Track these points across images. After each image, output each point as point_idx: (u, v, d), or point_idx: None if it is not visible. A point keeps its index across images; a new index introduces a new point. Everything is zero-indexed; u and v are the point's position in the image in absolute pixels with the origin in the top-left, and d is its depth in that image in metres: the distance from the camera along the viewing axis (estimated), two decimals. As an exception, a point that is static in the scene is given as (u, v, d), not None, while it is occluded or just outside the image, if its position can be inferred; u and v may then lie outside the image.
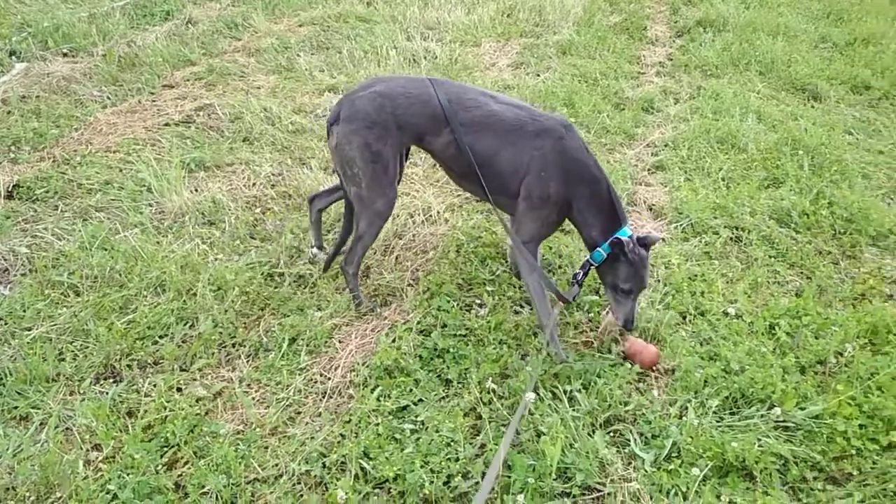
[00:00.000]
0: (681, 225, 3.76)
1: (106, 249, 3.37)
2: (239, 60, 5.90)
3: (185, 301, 3.07)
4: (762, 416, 2.53)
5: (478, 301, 3.15)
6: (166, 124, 4.71)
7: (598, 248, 2.76)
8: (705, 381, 2.66)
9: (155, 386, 2.67)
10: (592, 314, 3.10)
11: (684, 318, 3.07)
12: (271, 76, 5.61)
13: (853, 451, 2.42)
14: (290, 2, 7.55)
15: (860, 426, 2.49)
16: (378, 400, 2.59)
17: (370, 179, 2.82)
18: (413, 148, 3.04)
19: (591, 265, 2.84)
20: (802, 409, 2.54)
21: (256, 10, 7.12)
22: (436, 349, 2.82)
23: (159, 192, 3.82)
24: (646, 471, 2.34)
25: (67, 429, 2.49)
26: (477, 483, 2.29)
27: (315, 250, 3.40)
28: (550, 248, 3.47)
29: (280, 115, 4.78)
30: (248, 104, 4.87)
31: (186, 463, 2.36)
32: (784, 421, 2.51)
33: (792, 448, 2.40)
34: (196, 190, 3.92)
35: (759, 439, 2.42)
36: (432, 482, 2.25)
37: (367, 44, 6.22)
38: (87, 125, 4.64)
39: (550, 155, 2.73)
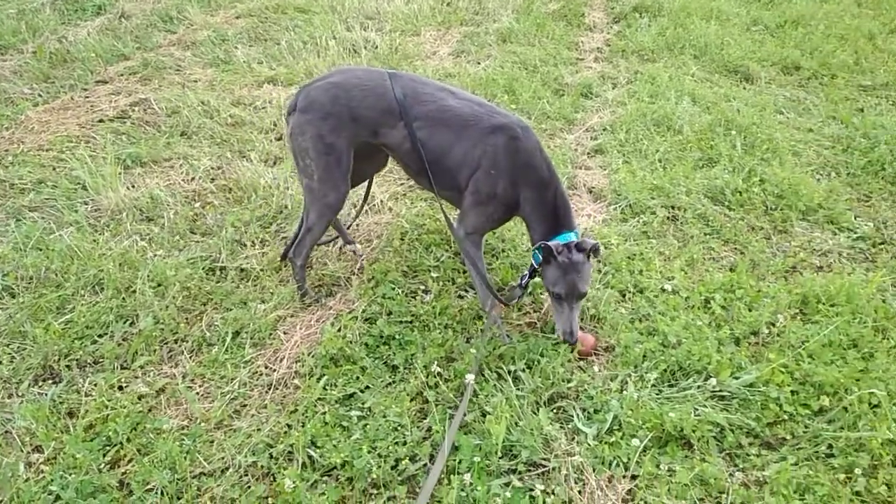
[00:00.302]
0: (619, 206, 3.84)
1: (41, 249, 3.29)
2: (175, 54, 5.79)
3: (124, 299, 3.02)
4: (699, 386, 2.61)
5: (423, 287, 3.17)
6: (100, 120, 4.61)
7: (535, 251, 2.73)
8: (644, 356, 2.73)
9: (95, 385, 2.62)
10: (535, 296, 3.15)
11: (623, 296, 3.14)
12: (208, 69, 5.53)
13: (786, 417, 2.51)
14: (226, -7, 7.44)
15: (792, 392, 2.60)
16: (324, 389, 2.60)
17: (323, 171, 2.80)
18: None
19: (535, 270, 2.82)
20: (737, 378, 2.63)
21: (191, 3, 7.00)
22: (381, 336, 2.83)
23: (94, 189, 3.74)
24: (588, 444, 2.40)
25: (7, 432, 2.44)
26: (425, 465, 2.32)
27: (350, 247, 3.40)
28: (494, 233, 3.50)
29: (218, 108, 4.71)
30: (185, 98, 4.79)
31: (130, 461, 2.34)
32: (720, 390, 2.59)
33: (728, 416, 2.48)
34: (133, 186, 3.85)
35: (697, 409, 2.50)
36: (380, 466, 2.27)
37: (306, 34, 6.17)
38: (18, 124, 4.51)
39: (502, 153, 2.72)
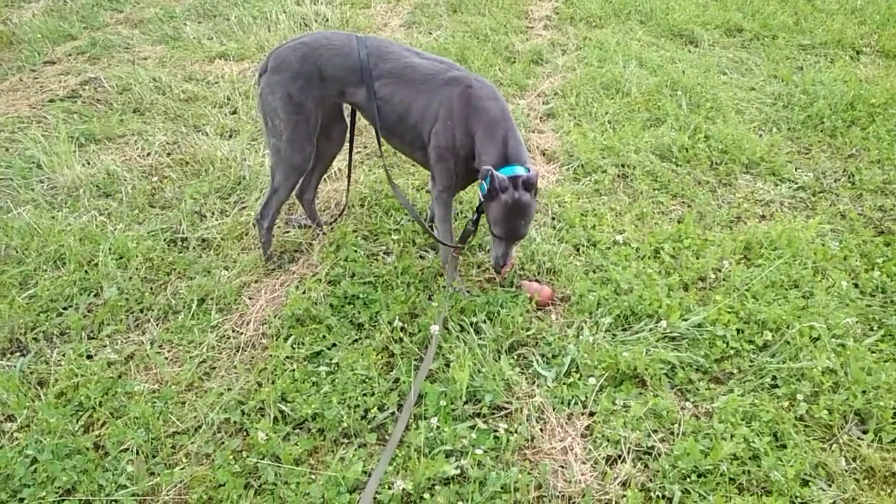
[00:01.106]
0: (572, 166, 3.96)
1: (-1, 228, 3.28)
2: (122, 32, 5.73)
3: (86, 272, 3.04)
4: (650, 329, 2.75)
5: (384, 249, 3.25)
6: (51, 100, 4.56)
7: (482, 182, 2.69)
8: (598, 303, 2.86)
9: (64, 355, 2.66)
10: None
11: (577, 249, 3.26)
12: (158, 46, 5.48)
13: (732, 353, 2.67)
14: (173, -29, 7.32)
15: (738, 331, 2.75)
16: (292, 348, 2.67)
17: (291, 131, 2.83)
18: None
19: (482, 202, 2.81)
20: (686, 320, 2.78)
21: (137, -19, 6.89)
22: (346, 296, 2.90)
23: (50, 167, 3.73)
24: (548, 387, 2.52)
25: (-23, 404, 2.46)
26: (393, 413, 2.42)
27: (318, 229, 3.41)
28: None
29: (171, 84, 4.70)
30: (136, 75, 4.76)
31: (104, 424, 2.38)
32: (670, 332, 2.74)
33: (678, 354, 2.63)
34: (88, 163, 3.83)
35: (649, 349, 2.63)
36: (350, 416, 2.36)
37: (255, 9, 6.14)
38: (-35, 106, 4.44)
39: (456, 102, 2.73)
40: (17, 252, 3.13)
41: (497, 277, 2.90)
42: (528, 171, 2.67)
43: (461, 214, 3.49)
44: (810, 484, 2.17)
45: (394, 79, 2.79)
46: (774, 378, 2.56)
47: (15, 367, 2.61)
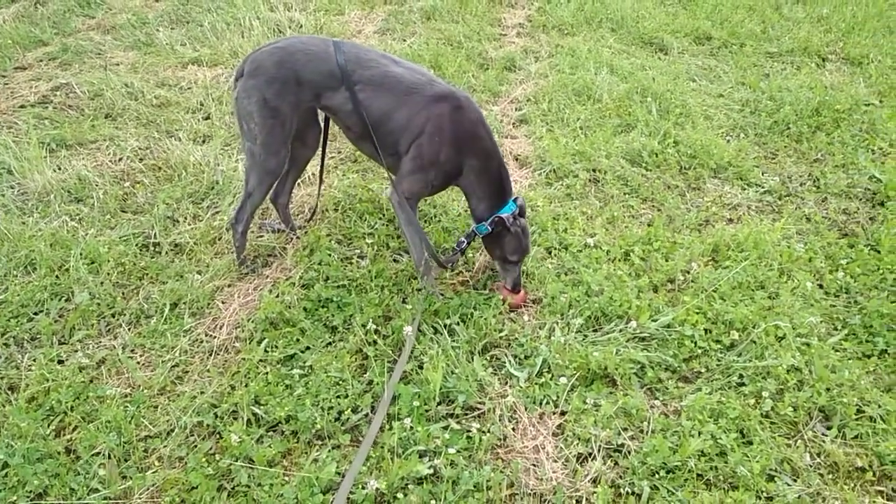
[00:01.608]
0: (544, 171, 4.00)
1: (-32, 233, 3.25)
2: (94, 38, 5.69)
3: (57, 277, 3.02)
4: (620, 329, 2.79)
5: (358, 253, 3.27)
6: (22, 106, 4.53)
7: (484, 223, 2.86)
8: (570, 305, 2.90)
9: (35, 360, 2.64)
10: (466, 257, 3.28)
11: (550, 252, 3.30)
12: (130, 52, 5.46)
13: (700, 352, 2.72)
14: (145, -23, 7.30)
15: (706, 331, 2.81)
16: (265, 351, 2.68)
17: (266, 135, 2.84)
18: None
19: (475, 235, 2.96)
20: (655, 320, 2.83)
21: (109, -13, 6.85)
22: (320, 300, 2.91)
23: (20, 173, 3.70)
24: (520, 387, 2.55)
25: (-55, 409, 2.44)
26: (367, 415, 2.43)
27: (293, 234, 3.42)
28: (426, 200, 3.61)
29: (143, 90, 4.68)
30: (108, 81, 4.73)
31: (75, 428, 2.37)
32: (640, 332, 2.78)
33: (647, 354, 2.67)
34: (59, 168, 3.81)
35: (619, 349, 2.68)
36: (324, 418, 2.37)
37: (228, 16, 6.13)
38: (-67, 111, 4.39)
39: (447, 120, 2.76)
40: (-14, 258, 3.10)
41: (510, 300, 2.94)
42: (514, 204, 2.88)
43: (434, 217, 3.53)
44: (776, 479, 2.22)
45: (373, 86, 2.80)
46: (741, 376, 2.61)
47: (-16, 372, 2.58)
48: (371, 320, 2.79)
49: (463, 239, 3.03)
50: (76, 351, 2.70)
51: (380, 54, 2.91)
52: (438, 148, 2.78)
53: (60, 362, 2.65)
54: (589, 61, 5.46)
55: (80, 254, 3.11)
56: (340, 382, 2.53)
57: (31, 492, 2.14)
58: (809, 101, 4.80)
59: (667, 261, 3.22)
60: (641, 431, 2.39)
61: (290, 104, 2.83)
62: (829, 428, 2.41)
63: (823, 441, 2.35)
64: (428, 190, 2.96)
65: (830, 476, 2.27)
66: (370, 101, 2.81)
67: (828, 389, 2.51)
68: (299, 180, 3.75)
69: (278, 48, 2.84)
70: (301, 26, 5.96)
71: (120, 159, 3.95)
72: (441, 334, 2.75)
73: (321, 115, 3.13)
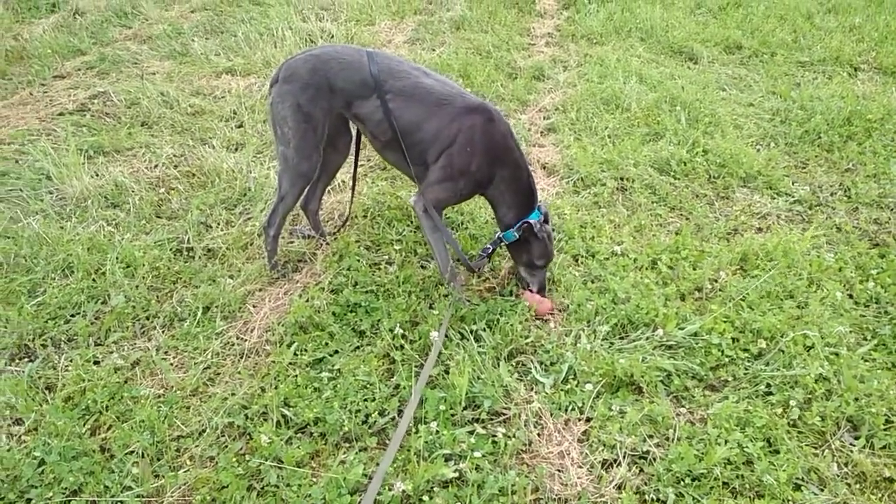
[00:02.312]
0: (572, 179, 4.02)
1: (9, 237, 3.34)
2: (131, 48, 5.83)
3: (94, 280, 3.10)
4: (647, 337, 2.79)
5: (386, 259, 3.31)
6: (60, 114, 4.65)
7: (511, 230, 2.94)
8: (596, 312, 2.91)
9: (71, 361, 2.71)
10: (492, 263, 3.31)
11: (576, 260, 3.32)
12: (166, 62, 5.58)
13: (727, 361, 2.71)
14: (180, -12, 7.46)
15: (733, 339, 2.80)
16: (295, 354, 2.72)
17: (299, 140, 2.91)
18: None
19: (501, 242, 3.05)
20: (682, 329, 2.82)
21: (145, -2, 7.02)
22: (348, 304, 2.96)
23: (59, 179, 3.80)
24: (546, 393, 2.57)
25: (-15, 407, 2.51)
26: (393, 418, 2.47)
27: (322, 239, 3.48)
28: (453, 208, 3.64)
29: (178, 98, 4.78)
30: (144, 89, 4.85)
31: (110, 427, 2.43)
32: (666, 340, 2.78)
33: (674, 362, 2.67)
34: (97, 175, 3.91)
35: (645, 357, 2.68)
36: (351, 421, 2.41)
37: (262, 26, 6.24)
38: (-23, 119, 4.54)
39: (479, 132, 2.82)
40: (26, 261, 3.19)
41: (536, 307, 2.96)
42: (539, 212, 2.97)
43: (461, 224, 3.56)
44: (802, 488, 2.21)
45: (404, 97, 2.86)
46: (768, 385, 2.60)
47: (23, 372, 2.66)
48: (398, 325, 2.83)
49: (489, 245, 3.11)
50: (111, 352, 2.77)
51: (412, 66, 2.96)
52: (470, 158, 2.83)
53: (96, 363, 2.72)
54: (618, 70, 5.47)
55: (117, 258, 3.19)
56: (368, 386, 2.57)
57: (66, 488, 2.19)
58: (841, 110, 4.76)
59: (694, 269, 3.22)
60: (667, 439, 2.39)
61: (322, 110, 2.89)
62: (856, 438, 2.39)
63: (851, 451, 2.34)
64: (455, 199, 3.01)
65: (858, 486, 2.25)
66: (400, 111, 2.86)
67: (856, 399, 2.48)
68: (329, 188, 3.81)
69: (312, 56, 2.91)
70: (332, 36, 6.05)
71: (155, 166, 4.05)
72: (467, 340, 2.78)
73: (353, 123, 3.18)
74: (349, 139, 3.23)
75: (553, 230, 3.01)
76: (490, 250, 3.11)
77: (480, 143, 2.83)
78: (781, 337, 2.77)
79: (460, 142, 2.83)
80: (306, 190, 3.19)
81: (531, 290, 3.01)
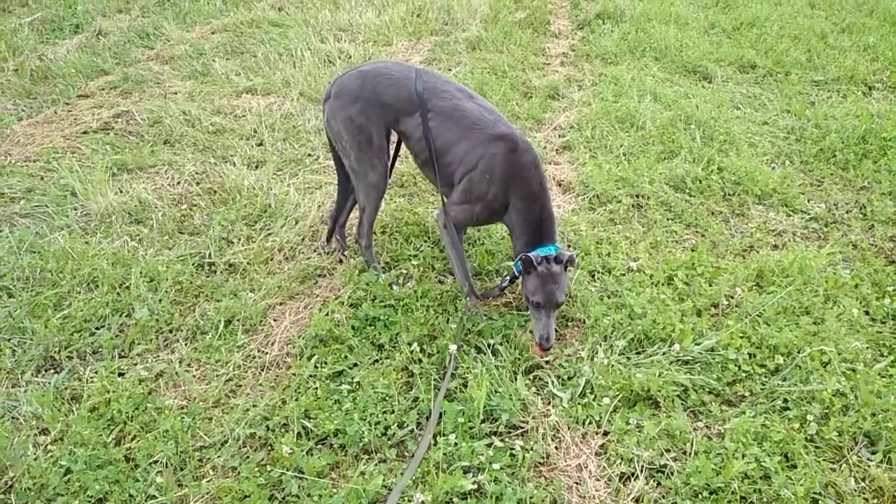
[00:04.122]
0: (587, 197, 4.06)
1: (35, 252, 3.42)
2: (153, 68, 5.94)
3: (118, 294, 3.16)
4: (664, 352, 2.81)
5: (404, 273, 3.35)
6: (85, 132, 4.74)
7: (518, 262, 2.88)
8: (612, 327, 2.94)
9: (96, 372, 2.76)
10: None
11: (593, 276, 3.35)
12: (187, 81, 5.68)
13: (744, 376, 2.73)
14: (202, 10, 7.60)
15: (750, 355, 2.82)
16: (315, 367, 2.76)
17: (357, 151, 3.03)
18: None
19: (515, 277, 3.00)
20: (698, 344, 2.84)
21: (167, 20, 7.14)
22: (367, 318, 3.00)
23: (84, 195, 3.88)
24: (563, 406, 2.59)
25: (14, 418, 2.56)
26: (412, 430, 2.50)
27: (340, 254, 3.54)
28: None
29: (199, 117, 4.87)
30: (167, 108, 4.94)
31: (134, 437, 2.48)
32: (683, 355, 2.80)
33: (691, 377, 2.69)
34: (121, 191, 3.99)
35: (662, 372, 2.70)
36: (371, 433, 2.45)
37: (281, 47, 6.35)
38: (4, 137, 4.64)
39: (499, 161, 2.85)
40: (52, 275, 3.26)
41: (539, 354, 2.84)
42: (557, 248, 2.85)
43: (479, 241, 3.60)
44: (819, 502, 2.22)
45: (443, 117, 2.93)
46: (785, 400, 2.61)
47: (49, 383, 2.71)
48: (416, 339, 2.87)
49: (507, 277, 3.09)
50: (136, 364, 2.82)
51: (457, 87, 3.02)
52: (487, 186, 2.88)
53: (121, 374, 2.77)
54: (632, 89, 5.52)
55: (140, 272, 3.25)
56: (387, 398, 2.60)
57: (91, 497, 2.24)
58: (856, 128, 4.78)
59: (710, 285, 3.24)
60: (684, 453, 2.41)
61: (373, 122, 3.00)
62: (873, 453, 2.40)
63: (868, 466, 2.34)
64: (472, 221, 3.06)
65: (875, 501, 2.25)
66: (438, 131, 2.93)
67: (873, 415, 2.49)
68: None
69: (362, 72, 3.03)
70: (350, 57, 6.14)
71: (178, 183, 4.12)
72: (484, 353, 2.81)
73: (393, 139, 3.24)
74: (388, 158, 3.26)
75: (570, 275, 2.85)
76: (506, 283, 3.09)
77: (499, 171, 2.86)
78: (798, 352, 2.78)
79: (481, 168, 2.88)
80: (336, 205, 3.41)
81: (537, 343, 2.80)
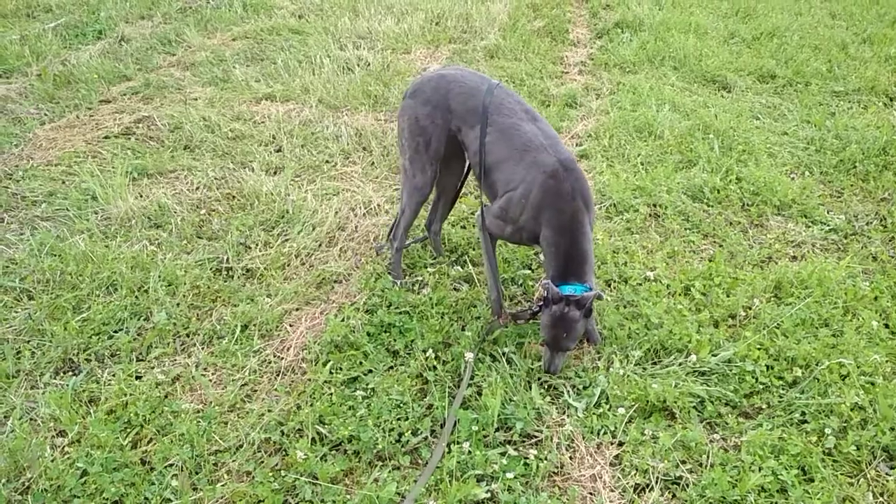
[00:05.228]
0: (604, 206, 4.05)
1: (56, 255, 3.45)
2: (175, 74, 6.00)
3: (137, 297, 3.19)
4: (680, 363, 2.80)
5: (420, 280, 3.36)
6: (106, 137, 4.79)
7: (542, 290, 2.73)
8: (629, 336, 2.93)
9: (114, 375, 2.79)
10: (525, 287, 3.34)
11: (609, 285, 3.34)
12: (208, 88, 5.73)
13: (761, 388, 2.71)
14: (223, 17, 7.66)
15: (767, 367, 2.80)
16: (330, 373, 2.77)
17: (413, 152, 3.07)
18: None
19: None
20: (715, 355, 2.83)
21: (189, 27, 7.21)
22: (382, 325, 3.01)
23: (104, 199, 3.92)
24: (578, 416, 2.58)
25: (32, 419, 2.59)
26: (426, 438, 2.50)
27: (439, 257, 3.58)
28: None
29: (219, 123, 4.91)
30: (187, 114, 4.99)
31: (150, 441, 2.50)
32: (700, 366, 2.79)
33: (707, 388, 2.67)
34: (141, 196, 4.03)
35: (678, 383, 2.68)
36: (385, 439, 2.45)
37: (300, 54, 6.39)
38: (27, 141, 4.70)
39: (537, 189, 2.74)
40: (72, 277, 3.29)
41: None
42: (588, 289, 2.68)
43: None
44: (838, 517, 2.20)
45: (498, 133, 2.87)
46: (803, 413, 2.59)
47: (68, 385, 2.74)
48: (431, 346, 2.87)
49: (538, 305, 2.81)
50: (153, 367, 2.85)
51: (523, 107, 2.95)
52: (521, 210, 2.80)
53: (138, 378, 2.79)
54: (650, 98, 5.50)
55: (159, 276, 3.28)
56: (401, 405, 2.61)
57: (107, 499, 2.26)
58: (876, 139, 4.74)
59: (728, 296, 3.22)
60: (700, 465, 2.39)
61: (437, 127, 3.02)
62: (892, 468, 2.37)
63: (886, 480, 2.32)
64: (504, 237, 2.99)
65: (895, 517, 2.23)
66: (491, 147, 2.88)
67: (892, 429, 2.47)
68: (366, 211, 3.89)
69: (439, 75, 3.08)
70: (369, 64, 6.17)
71: (197, 188, 4.16)
72: (499, 362, 2.81)
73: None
74: (464, 162, 3.24)
75: (577, 320, 2.64)
76: (536, 310, 2.82)
77: (535, 198, 2.75)
78: (816, 365, 2.76)
79: (520, 191, 2.79)
80: (430, 211, 3.46)
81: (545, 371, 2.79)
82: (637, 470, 2.37)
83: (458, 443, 2.44)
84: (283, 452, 2.45)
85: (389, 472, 2.37)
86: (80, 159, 4.46)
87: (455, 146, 3.11)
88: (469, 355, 2.75)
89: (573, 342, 2.70)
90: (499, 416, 2.53)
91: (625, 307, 3.15)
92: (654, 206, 4.04)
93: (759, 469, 2.31)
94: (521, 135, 2.85)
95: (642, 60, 6.61)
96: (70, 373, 2.84)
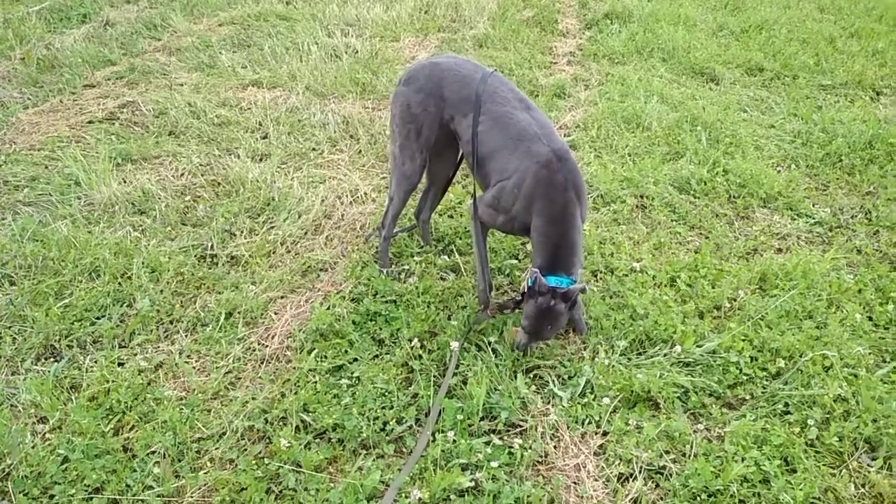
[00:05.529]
0: (592, 196, 4.04)
1: (38, 240, 3.41)
2: (160, 59, 5.93)
3: (120, 284, 3.16)
4: (665, 354, 2.81)
5: (407, 270, 3.34)
6: (90, 122, 4.74)
7: (529, 278, 2.72)
8: (614, 327, 2.93)
9: (96, 362, 2.76)
10: (512, 277, 3.33)
11: (595, 275, 3.34)
12: (194, 73, 5.68)
13: (745, 379, 2.73)
14: (209, 2, 7.58)
15: (751, 358, 2.81)
16: (315, 361, 2.76)
17: (403, 139, 3.04)
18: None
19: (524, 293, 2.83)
20: (700, 346, 2.84)
21: (175, 12, 7.13)
22: (368, 313, 3.00)
23: (88, 184, 3.87)
24: (563, 406, 2.58)
25: (12, 406, 2.56)
26: (411, 427, 2.49)
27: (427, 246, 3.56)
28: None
29: (205, 109, 4.86)
30: (173, 100, 4.94)
31: (133, 428, 2.48)
32: (684, 357, 2.80)
33: (691, 379, 2.68)
34: (124, 181, 3.98)
35: (662, 373, 2.69)
36: (369, 427, 2.44)
37: (288, 41, 6.33)
38: (10, 125, 4.64)
39: (530, 179, 2.71)
40: (54, 263, 3.26)
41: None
42: (573, 281, 2.68)
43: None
44: (819, 507, 2.21)
45: (492, 122, 2.83)
46: (786, 404, 2.60)
47: (49, 371, 2.71)
48: (417, 335, 2.86)
49: (522, 295, 2.82)
50: (135, 354, 2.82)
51: (518, 97, 2.92)
52: (514, 199, 2.77)
53: (120, 364, 2.77)
54: (639, 90, 5.50)
55: (142, 263, 3.25)
56: (386, 394, 2.60)
57: (89, 486, 2.24)
58: (863, 133, 4.76)
59: (713, 288, 3.23)
60: (684, 455, 2.40)
61: (429, 115, 2.99)
62: (874, 459, 2.39)
63: (868, 471, 2.34)
64: (495, 226, 2.98)
65: (875, 507, 2.25)
66: (484, 136, 2.85)
67: (874, 420, 2.49)
68: (353, 200, 3.87)
69: (433, 63, 3.05)
70: (357, 52, 6.12)
71: (182, 174, 4.12)
72: (485, 351, 2.80)
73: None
74: (457, 151, 3.22)
75: (562, 313, 2.65)
76: (520, 299, 2.85)
77: (527, 189, 2.73)
78: (800, 356, 2.78)
79: (512, 181, 2.77)
80: (419, 200, 3.45)
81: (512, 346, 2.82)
82: (621, 459, 2.38)
83: (442, 431, 2.44)
84: (267, 440, 2.44)
85: (374, 460, 2.37)
86: (64, 144, 4.40)
87: (447, 135, 3.08)
88: (454, 344, 2.75)
89: (554, 333, 2.73)
90: (484, 405, 2.53)
91: (611, 297, 3.16)
92: (641, 197, 4.04)
93: (742, 459, 2.32)
94: (515, 124, 2.82)
95: (631, 52, 6.60)
96: (52, 359, 2.81)
